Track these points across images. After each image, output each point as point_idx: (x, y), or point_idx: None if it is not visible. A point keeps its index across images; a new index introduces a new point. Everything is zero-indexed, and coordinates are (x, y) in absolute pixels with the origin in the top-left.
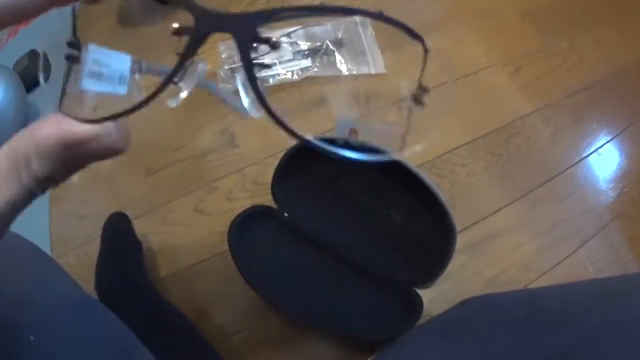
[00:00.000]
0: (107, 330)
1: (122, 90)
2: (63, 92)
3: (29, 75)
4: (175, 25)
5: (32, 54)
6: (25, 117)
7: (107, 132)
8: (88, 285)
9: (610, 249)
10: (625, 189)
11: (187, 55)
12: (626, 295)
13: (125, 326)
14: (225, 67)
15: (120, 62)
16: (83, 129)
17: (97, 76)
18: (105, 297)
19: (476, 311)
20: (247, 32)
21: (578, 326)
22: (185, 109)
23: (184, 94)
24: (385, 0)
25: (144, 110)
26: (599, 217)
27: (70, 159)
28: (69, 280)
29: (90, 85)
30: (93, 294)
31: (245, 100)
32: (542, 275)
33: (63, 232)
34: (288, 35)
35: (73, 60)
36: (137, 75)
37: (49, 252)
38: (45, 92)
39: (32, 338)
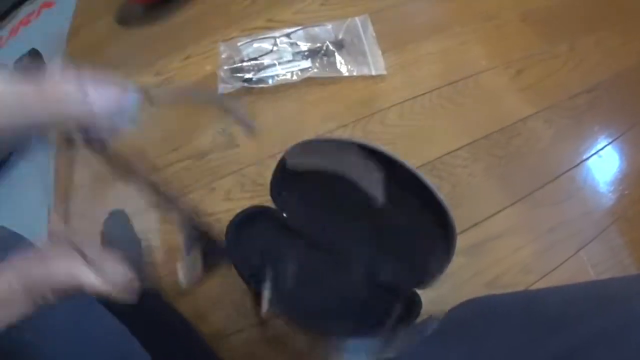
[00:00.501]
0: (105, 331)
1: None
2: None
3: (29, 73)
4: None
5: (33, 53)
6: None
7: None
8: None
9: (610, 252)
10: (626, 192)
11: None
12: (626, 298)
13: (123, 326)
14: (225, 67)
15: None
16: (99, 286)
17: None
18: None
19: (476, 313)
20: None
21: (577, 330)
22: (185, 109)
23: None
24: (388, 2)
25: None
26: (599, 220)
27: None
28: None
29: None
30: None
31: None
32: (542, 278)
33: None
34: (288, 35)
35: None
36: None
37: None
38: None
39: (28, 336)
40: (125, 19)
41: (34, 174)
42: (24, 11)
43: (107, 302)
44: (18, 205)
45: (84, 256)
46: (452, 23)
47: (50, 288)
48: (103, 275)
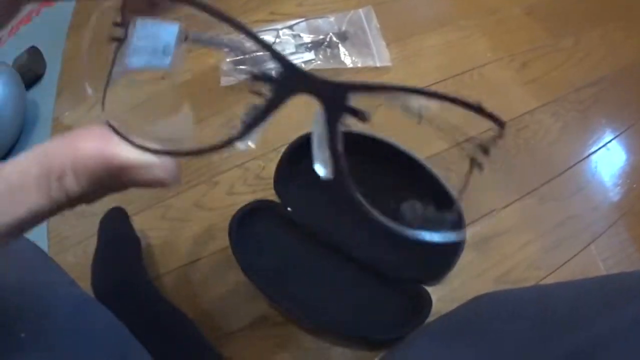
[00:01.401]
0: (104, 329)
1: (166, 61)
2: (107, 82)
3: (29, 71)
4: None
5: (32, 50)
6: (25, 114)
7: (161, 164)
8: (86, 283)
9: (619, 246)
10: (634, 185)
11: (267, 112)
12: (637, 295)
13: (122, 324)
14: (227, 60)
15: (167, 32)
16: (133, 156)
17: (142, 51)
18: (102, 295)
19: (485, 310)
20: (339, 101)
21: (588, 328)
22: (187, 101)
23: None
24: (383, 0)
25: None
26: (607, 215)
27: (110, 182)
28: (66, 278)
29: (136, 63)
30: (90, 291)
31: (318, 154)
32: (552, 273)
33: (61, 228)
34: (290, 27)
35: (118, 40)
36: (183, 45)
37: (46, 250)
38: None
39: (22, 335)
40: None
41: None
42: (25, 9)
43: (105, 300)
44: None
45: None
46: (456, 16)
47: (72, 167)
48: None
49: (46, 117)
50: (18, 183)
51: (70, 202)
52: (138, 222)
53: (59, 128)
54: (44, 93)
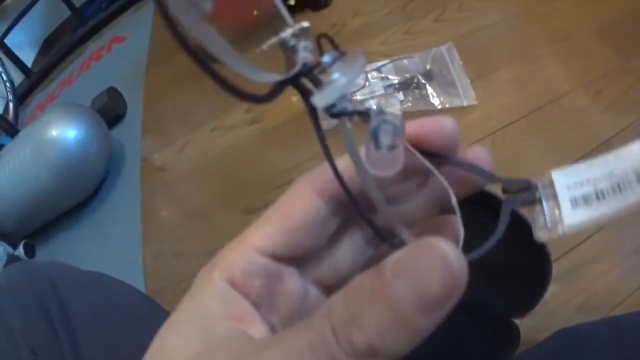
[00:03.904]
0: (127, 294)
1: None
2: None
3: (110, 111)
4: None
5: (112, 91)
6: (110, 154)
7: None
8: None
9: None
10: None
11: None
12: None
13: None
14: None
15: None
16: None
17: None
18: None
19: (565, 344)
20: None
21: None
22: (286, 144)
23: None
24: (467, 28)
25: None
26: None
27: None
28: None
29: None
30: None
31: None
32: (627, 299)
33: (158, 269)
34: (378, 69)
35: None
36: None
37: (142, 289)
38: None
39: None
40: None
41: (121, 210)
42: (92, 46)
43: None
44: (110, 246)
45: None
46: (531, 45)
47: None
48: None
49: (133, 155)
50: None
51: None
52: None
53: (150, 169)
54: (128, 132)
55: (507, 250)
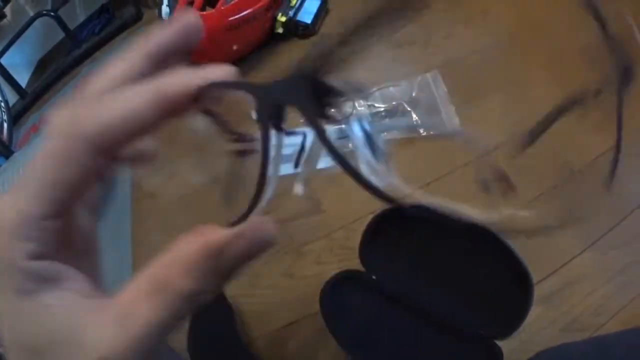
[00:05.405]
0: None
1: None
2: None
3: None
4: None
5: None
6: None
7: (254, 226)
8: (181, 346)
9: None
10: None
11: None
12: None
13: None
14: None
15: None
16: (220, 233)
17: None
18: None
19: None
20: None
21: None
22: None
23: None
24: (447, 61)
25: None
26: None
27: (215, 268)
28: None
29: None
30: (186, 355)
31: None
32: (611, 319)
33: None
34: (365, 97)
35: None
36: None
37: None
38: None
39: None
40: None
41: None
42: (86, 69)
43: None
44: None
45: None
46: (517, 71)
47: (178, 268)
48: None
49: (124, 182)
50: (129, 301)
51: (187, 300)
52: (228, 291)
53: (140, 195)
54: None
55: (489, 274)
